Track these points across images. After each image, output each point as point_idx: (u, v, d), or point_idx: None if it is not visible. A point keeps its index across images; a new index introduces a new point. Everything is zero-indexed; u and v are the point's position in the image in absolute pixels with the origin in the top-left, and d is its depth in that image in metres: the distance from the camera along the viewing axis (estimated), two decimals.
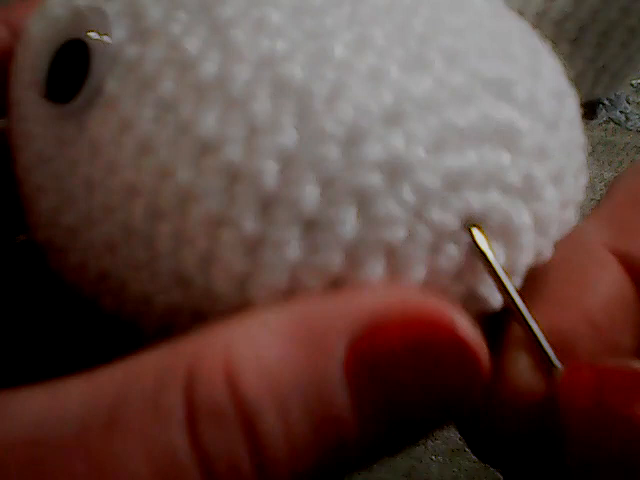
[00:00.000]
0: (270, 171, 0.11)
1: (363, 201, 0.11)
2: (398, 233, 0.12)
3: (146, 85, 0.12)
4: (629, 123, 0.37)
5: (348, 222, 0.11)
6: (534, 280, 0.13)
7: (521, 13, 0.33)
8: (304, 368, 0.11)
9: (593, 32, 0.31)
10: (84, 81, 0.13)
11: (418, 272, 0.12)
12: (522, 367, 0.12)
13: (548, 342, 0.12)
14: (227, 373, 0.10)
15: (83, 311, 0.15)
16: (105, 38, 0.13)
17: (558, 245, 0.13)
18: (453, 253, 0.12)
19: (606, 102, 0.38)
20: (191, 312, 0.13)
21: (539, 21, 0.32)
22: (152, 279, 0.13)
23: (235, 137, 0.12)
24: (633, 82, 0.39)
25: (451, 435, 0.24)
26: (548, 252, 0.13)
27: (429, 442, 0.24)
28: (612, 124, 0.37)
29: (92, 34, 0.13)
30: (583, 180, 0.15)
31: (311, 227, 0.11)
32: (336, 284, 0.12)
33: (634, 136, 0.37)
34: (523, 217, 0.12)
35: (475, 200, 0.12)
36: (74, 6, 0.14)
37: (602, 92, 0.36)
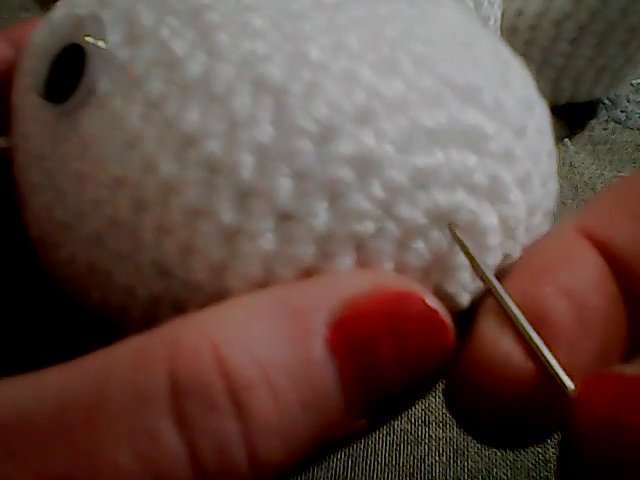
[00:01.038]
0: (247, 164, 0.12)
1: (334, 195, 0.12)
2: (367, 227, 0.12)
3: (135, 85, 0.13)
4: (630, 122, 0.37)
5: (320, 215, 0.12)
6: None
7: (521, 13, 0.34)
8: (289, 347, 0.11)
9: (593, 32, 0.31)
10: (80, 82, 0.13)
11: (387, 267, 0.12)
12: (496, 332, 0.12)
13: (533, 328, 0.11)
14: (213, 352, 0.10)
15: (68, 311, 0.15)
16: (100, 42, 0.13)
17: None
18: (421, 250, 0.12)
19: (606, 101, 0.38)
20: (172, 303, 0.13)
21: (539, 21, 0.32)
22: (135, 270, 0.13)
23: (215, 132, 0.12)
24: (633, 82, 0.39)
25: (455, 436, 0.24)
26: (516, 255, 0.14)
27: (433, 443, 0.24)
28: (612, 123, 0.37)
29: (88, 38, 0.14)
30: (552, 187, 0.15)
31: (285, 219, 0.12)
32: (308, 275, 0.12)
33: (635, 135, 0.37)
34: (489, 217, 0.13)
35: (442, 198, 0.12)
36: (74, 14, 0.14)
37: (602, 92, 0.36)
